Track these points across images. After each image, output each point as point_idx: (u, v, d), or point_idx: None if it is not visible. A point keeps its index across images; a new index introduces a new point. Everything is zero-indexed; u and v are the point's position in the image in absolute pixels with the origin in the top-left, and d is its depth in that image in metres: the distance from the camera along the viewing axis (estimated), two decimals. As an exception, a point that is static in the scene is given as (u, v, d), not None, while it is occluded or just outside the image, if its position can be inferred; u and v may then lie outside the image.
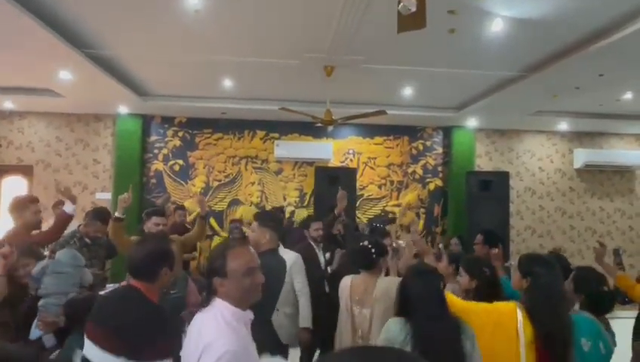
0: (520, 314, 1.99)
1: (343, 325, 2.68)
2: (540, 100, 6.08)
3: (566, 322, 2.02)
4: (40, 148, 7.30)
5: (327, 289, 3.88)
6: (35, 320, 2.59)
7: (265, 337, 2.78)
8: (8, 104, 6.82)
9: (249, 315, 1.64)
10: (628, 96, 5.86)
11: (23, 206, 3.45)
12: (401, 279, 2.18)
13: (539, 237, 7.85)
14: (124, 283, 2.18)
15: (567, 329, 1.99)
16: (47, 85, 5.84)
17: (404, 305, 1.97)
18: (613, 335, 2.46)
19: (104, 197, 7.16)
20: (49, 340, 2.57)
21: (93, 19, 4.10)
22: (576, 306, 2.44)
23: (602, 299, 2.42)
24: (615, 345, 2.34)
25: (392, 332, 1.92)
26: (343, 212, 4.63)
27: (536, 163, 8.04)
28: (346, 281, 2.74)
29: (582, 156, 7.83)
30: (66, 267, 2.76)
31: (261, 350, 1.82)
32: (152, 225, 3.50)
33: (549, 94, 5.74)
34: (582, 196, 8.06)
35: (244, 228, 5.75)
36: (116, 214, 3.39)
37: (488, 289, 2.40)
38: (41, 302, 2.65)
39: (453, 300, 2.16)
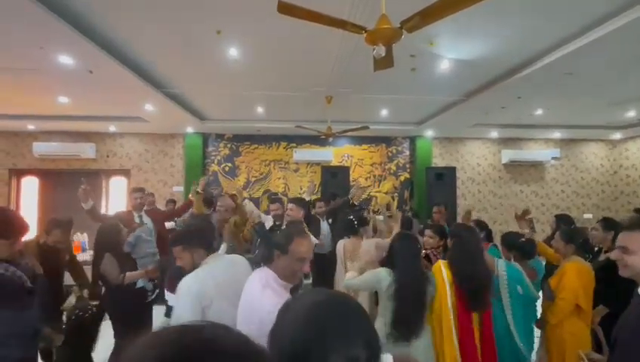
0: (443, 266, 1.99)
1: (339, 273, 2.69)
2: (476, 116, 5.99)
3: (479, 269, 1.95)
4: (134, 157, 7.38)
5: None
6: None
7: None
8: (112, 128, 6.90)
9: (288, 285, 1.43)
10: (539, 111, 5.75)
11: (130, 193, 3.54)
12: (390, 241, 2.14)
13: (477, 212, 7.74)
14: None
15: (481, 274, 1.94)
16: (138, 114, 5.88)
17: (392, 259, 1.94)
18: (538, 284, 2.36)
19: (178, 189, 7.23)
20: (149, 286, 2.62)
21: (165, 67, 4.12)
22: (512, 260, 2.36)
23: (524, 248, 2.38)
24: (538, 291, 2.27)
25: (382, 276, 1.89)
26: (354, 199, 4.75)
27: (475, 160, 7.93)
28: (340, 244, 2.74)
29: (507, 155, 7.69)
30: (150, 236, 2.78)
31: None
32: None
33: (482, 112, 5.66)
34: (507, 183, 7.94)
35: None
36: (198, 190, 3.59)
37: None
38: (140, 262, 2.67)
39: None
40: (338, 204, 4.51)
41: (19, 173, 7.17)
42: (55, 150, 6.90)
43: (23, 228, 1.61)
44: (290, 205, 3.04)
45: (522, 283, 2.13)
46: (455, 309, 1.89)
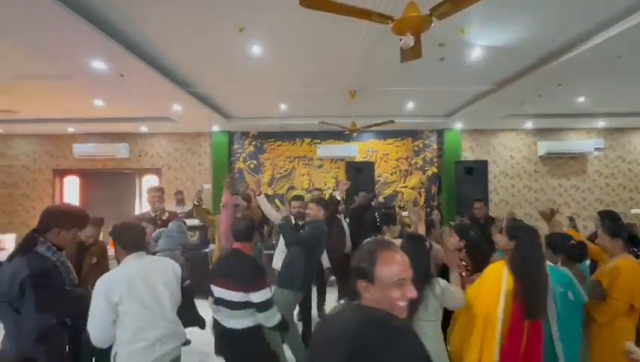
0: (505, 270, 1.80)
1: None
2: (510, 106, 5.64)
3: (543, 276, 1.79)
4: (164, 156, 7.64)
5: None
6: None
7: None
8: (143, 128, 7.17)
9: None
10: (581, 99, 5.31)
11: (148, 191, 3.60)
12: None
13: (511, 207, 7.36)
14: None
15: (544, 282, 1.78)
16: (166, 114, 6.06)
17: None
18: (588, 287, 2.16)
19: (206, 186, 7.42)
20: None
21: (190, 66, 4.19)
22: (559, 263, 2.17)
23: (573, 251, 2.19)
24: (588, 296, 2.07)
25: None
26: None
27: (508, 153, 7.50)
28: (365, 242, 2.68)
29: (544, 146, 7.21)
30: (173, 232, 2.80)
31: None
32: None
33: (517, 101, 5.31)
34: (544, 176, 7.46)
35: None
36: (194, 202, 3.61)
37: (473, 247, 2.23)
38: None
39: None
40: (362, 201, 4.41)
41: (61, 173, 7.65)
42: (93, 151, 7.29)
43: (83, 220, 1.77)
44: (310, 204, 2.98)
45: (573, 288, 1.95)
46: (508, 316, 1.73)
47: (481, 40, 3.38)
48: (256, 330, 1.97)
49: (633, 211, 7.18)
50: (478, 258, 2.04)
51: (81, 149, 7.25)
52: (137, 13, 2.91)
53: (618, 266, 2.06)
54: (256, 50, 3.58)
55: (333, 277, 4.17)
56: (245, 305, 1.91)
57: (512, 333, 1.72)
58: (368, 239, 2.64)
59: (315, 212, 2.85)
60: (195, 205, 3.60)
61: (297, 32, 3.22)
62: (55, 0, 2.46)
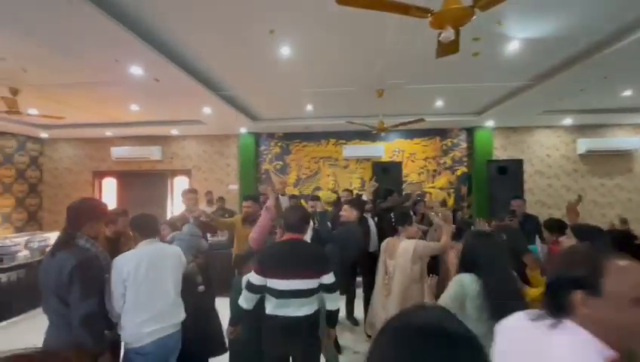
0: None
1: (380, 269, 2.63)
2: (546, 102, 5.33)
3: None
4: (194, 157, 7.88)
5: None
6: None
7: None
8: (174, 131, 7.43)
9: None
10: (628, 93, 4.93)
11: (184, 194, 3.49)
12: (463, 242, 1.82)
13: (548, 208, 6.97)
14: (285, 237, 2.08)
15: None
16: (197, 117, 6.23)
17: (472, 264, 1.63)
18: None
19: (234, 187, 7.57)
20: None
21: (220, 69, 4.27)
22: None
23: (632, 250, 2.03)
24: None
25: (461, 287, 1.60)
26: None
27: (545, 151, 7.10)
28: (384, 242, 2.68)
29: (584, 144, 6.77)
30: (185, 236, 2.60)
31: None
32: (244, 206, 3.57)
33: (554, 97, 5.02)
34: (585, 175, 7.00)
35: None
36: (202, 219, 3.37)
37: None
38: None
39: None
40: (396, 201, 4.31)
41: (100, 175, 8.09)
42: (129, 153, 7.65)
43: (105, 210, 1.95)
44: (345, 206, 2.94)
45: None
46: None
47: (519, 32, 3.21)
48: (318, 314, 1.99)
49: (687, 213, 6.59)
50: None
51: (118, 152, 7.63)
52: (171, 18, 3.01)
53: None
54: (285, 51, 3.60)
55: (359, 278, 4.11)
56: (317, 290, 1.94)
57: None
58: (388, 238, 2.60)
59: (348, 213, 2.82)
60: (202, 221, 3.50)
61: (325, 32, 3.20)
62: (96, 8, 2.59)
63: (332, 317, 2.03)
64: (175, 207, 7.72)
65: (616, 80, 4.30)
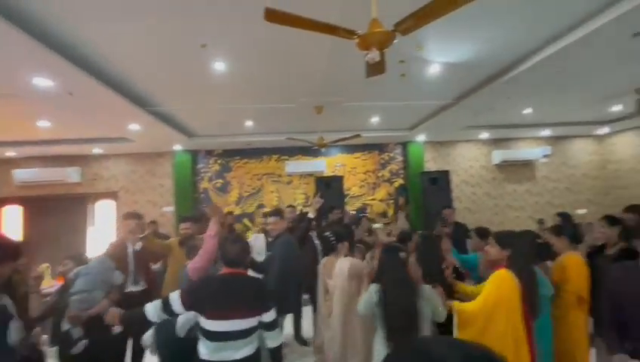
0: (514, 277, 1.82)
1: (320, 288, 2.61)
2: (466, 118, 5.99)
3: (534, 275, 1.95)
4: (121, 178, 7.15)
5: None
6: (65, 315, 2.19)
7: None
8: (97, 150, 6.68)
9: None
10: (528, 110, 5.77)
11: (125, 219, 3.02)
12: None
13: (473, 214, 7.72)
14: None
15: (534, 280, 1.93)
16: (122, 134, 5.70)
17: (379, 274, 1.86)
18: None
19: (169, 209, 7.00)
20: (76, 332, 2.17)
21: (148, 83, 3.99)
22: None
23: (541, 250, 2.34)
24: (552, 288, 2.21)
25: (370, 294, 1.83)
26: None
27: (468, 163, 7.93)
28: (323, 261, 2.66)
29: (498, 155, 7.71)
30: (92, 269, 2.32)
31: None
32: (182, 228, 3.34)
33: (472, 114, 5.65)
34: (501, 183, 7.95)
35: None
36: (147, 233, 3.17)
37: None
38: (70, 299, 2.21)
39: (465, 308, 1.88)
40: (336, 217, 4.36)
41: (0, 201, 6.86)
42: (37, 176, 6.62)
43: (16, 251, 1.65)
44: (269, 219, 2.81)
45: (542, 282, 2.08)
46: (522, 322, 1.78)
47: (438, 56, 3.57)
48: (259, 354, 1.83)
49: (579, 211, 7.83)
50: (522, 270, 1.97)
51: (22, 175, 6.56)
52: (89, 27, 2.73)
53: (565, 262, 2.33)
54: (219, 66, 3.50)
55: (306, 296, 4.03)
56: (255, 329, 1.79)
57: (529, 334, 1.78)
58: (326, 258, 2.59)
59: (277, 225, 2.71)
60: (143, 238, 3.17)
61: (261, 48, 3.19)
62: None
63: (276, 355, 1.89)
64: (98, 235, 6.85)
65: (518, 100, 5.02)
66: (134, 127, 5.17)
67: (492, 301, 1.78)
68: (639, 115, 4.76)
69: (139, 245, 2.96)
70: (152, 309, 1.79)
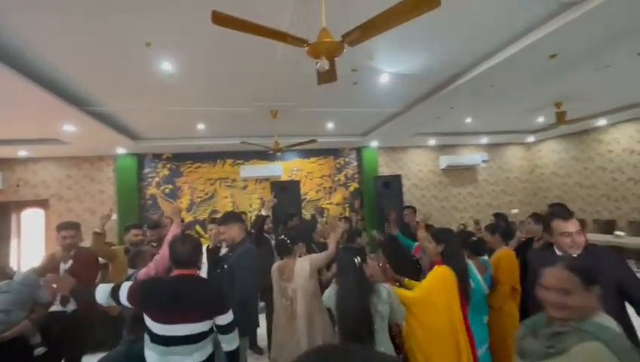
0: (450, 271, 1.97)
1: (276, 294, 2.46)
2: (415, 126, 6.34)
3: (465, 267, 2.11)
4: (53, 184, 6.45)
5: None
6: None
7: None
8: (23, 152, 5.96)
9: None
10: (469, 120, 6.29)
11: (60, 230, 2.69)
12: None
13: (422, 215, 8.16)
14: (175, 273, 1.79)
15: (466, 271, 2.09)
16: (55, 136, 5.16)
17: (337, 274, 1.91)
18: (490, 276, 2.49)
19: (111, 218, 6.43)
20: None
21: (87, 82, 3.67)
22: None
23: (474, 246, 2.50)
24: (489, 282, 2.42)
25: (331, 292, 1.86)
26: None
27: (417, 167, 8.40)
28: (274, 267, 2.53)
29: (444, 160, 8.28)
30: (15, 285, 2.13)
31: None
32: (131, 236, 3.18)
33: (420, 122, 6.01)
34: (447, 186, 8.54)
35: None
36: (96, 230, 2.96)
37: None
38: None
39: (404, 293, 2.00)
40: (295, 225, 4.32)
41: None
42: (-55, 182, 5.73)
43: None
44: (221, 228, 2.50)
45: (474, 277, 2.26)
46: (460, 312, 1.92)
47: (388, 67, 3.76)
48: (212, 359, 1.75)
49: (512, 211, 8.69)
50: (454, 263, 2.07)
51: None
52: (14, 19, 2.44)
53: (499, 257, 2.59)
54: (166, 66, 3.33)
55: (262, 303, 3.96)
56: (208, 334, 1.69)
57: (466, 321, 1.92)
58: (278, 262, 2.52)
59: (233, 233, 2.45)
60: (95, 233, 2.96)
61: (211, 49, 3.11)
62: None
63: (233, 359, 1.81)
64: (25, 248, 6.09)
65: (460, 110, 5.45)
66: (69, 128, 4.70)
67: (427, 291, 1.93)
68: (558, 126, 5.43)
69: (70, 262, 2.67)
70: (102, 292, 1.75)
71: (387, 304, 1.77)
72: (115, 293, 1.72)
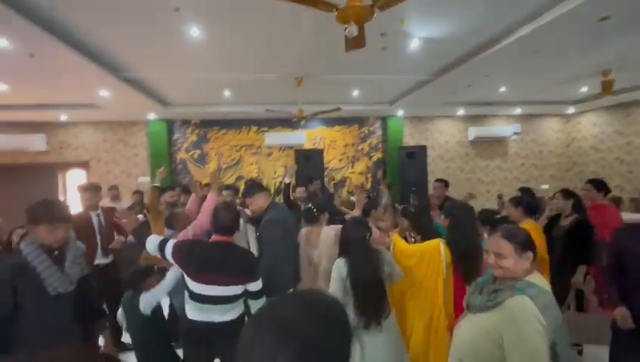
0: (442, 246, 2.01)
1: (303, 259, 2.57)
2: (445, 94, 6.09)
3: (476, 244, 2.06)
4: (91, 147, 6.86)
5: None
6: None
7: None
8: (64, 116, 6.33)
9: None
10: (503, 89, 5.95)
11: (81, 191, 2.96)
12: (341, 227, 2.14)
13: (466, 193, 8.05)
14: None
15: (477, 250, 2.03)
16: (91, 101, 5.41)
17: (344, 248, 1.92)
18: None
19: (144, 180, 6.84)
20: None
21: (119, 48, 3.77)
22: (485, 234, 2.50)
23: (496, 223, 2.48)
24: None
25: (341, 266, 1.87)
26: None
27: (444, 138, 8.15)
28: (302, 232, 2.63)
29: (473, 132, 7.96)
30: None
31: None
32: (168, 197, 3.33)
33: (450, 90, 5.76)
34: (474, 158, 8.28)
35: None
36: (154, 183, 3.17)
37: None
38: None
39: (398, 241, 2.14)
40: (316, 188, 4.45)
41: (-44, 170, 6.45)
42: (-3, 143, 6.23)
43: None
44: (247, 199, 2.54)
45: None
46: (450, 287, 1.97)
47: (419, 31, 3.58)
48: (243, 318, 1.92)
49: (542, 187, 8.37)
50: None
51: (-20, 142, 6.16)
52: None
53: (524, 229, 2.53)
54: (194, 32, 3.35)
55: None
56: (240, 296, 1.85)
57: (458, 299, 1.95)
58: (305, 229, 2.62)
59: (257, 202, 2.48)
60: (154, 188, 3.09)
61: (237, 15, 3.07)
62: None
63: None
64: (71, 206, 6.65)
65: (495, 78, 5.15)
66: (104, 93, 4.91)
67: (420, 251, 2.04)
68: (604, 96, 5.03)
69: (102, 216, 2.95)
70: (153, 241, 1.91)
71: (390, 265, 1.88)
72: (162, 247, 1.87)
